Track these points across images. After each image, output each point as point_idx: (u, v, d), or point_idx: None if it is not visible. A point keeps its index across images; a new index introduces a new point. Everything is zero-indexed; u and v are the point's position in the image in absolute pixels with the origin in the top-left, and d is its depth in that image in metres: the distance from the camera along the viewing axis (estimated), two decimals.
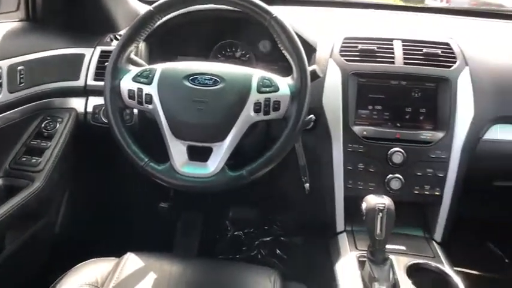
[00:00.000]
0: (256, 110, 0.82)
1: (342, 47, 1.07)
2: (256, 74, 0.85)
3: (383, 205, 0.82)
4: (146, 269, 0.88)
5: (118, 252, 0.94)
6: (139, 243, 1.02)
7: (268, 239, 1.59)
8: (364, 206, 0.84)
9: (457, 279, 0.87)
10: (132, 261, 0.90)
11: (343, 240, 1.01)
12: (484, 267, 1.47)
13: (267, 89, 0.82)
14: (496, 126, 1.04)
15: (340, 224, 1.04)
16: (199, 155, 0.84)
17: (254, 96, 0.82)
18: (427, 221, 1.05)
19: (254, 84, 0.83)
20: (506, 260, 1.52)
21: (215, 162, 0.83)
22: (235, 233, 1.62)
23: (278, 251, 1.56)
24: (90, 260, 0.93)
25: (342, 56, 1.06)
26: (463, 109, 1.00)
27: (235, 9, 0.87)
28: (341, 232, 1.04)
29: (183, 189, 0.83)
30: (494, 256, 1.52)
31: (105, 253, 0.96)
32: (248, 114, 0.82)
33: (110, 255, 0.95)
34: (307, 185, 1.04)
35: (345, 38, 1.09)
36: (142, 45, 1.11)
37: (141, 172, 0.84)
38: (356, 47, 1.06)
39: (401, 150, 0.99)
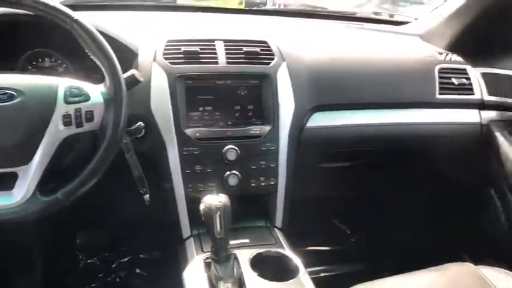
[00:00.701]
0: (67, 123, 0.75)
1: (165, 49, 1.05)
2: (62, 83, 0.77)
3: (219, 203, 0.82)
4: None
5: None
6: None
7: (126, 259, 1.49)
8: (201, 207, 0.84)
9: (296, 260, 0.93)
10: None
11: (190, 245, 0.99)
12: (330, 242, 1.64)
13: (76, 99, 0.76)
14: (316, 115, 1.15)
15: (185, 229, 1.02)
16: (2, 182, 0.73)
17: (62, 108, 0.74)
18: (267, 210, 1.09)
19: (61, 95, 0.75)
20: (348, 232, 1.72)
21: (22, 189, 0.72)
22: (88, 261, 1.47)
23: (138, 270, 1.47)
24: None
25: (166, 59, 1.04)
26: (285, 102, 1.07)
27: (33, 13, 0.77)
28: (188, 238, 1.02)
29: None
30: (338, 230, 1.70)
31: None
32: (57, 129, 0.74)
33: None
34: (146, 196, 0.99)
35: (168, 41, 1.07)
36: None
37: None
38: (179, 49, 1.05)
39: (235, 147, 1.01)
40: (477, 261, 0.98)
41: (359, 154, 1.26)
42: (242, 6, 1.69)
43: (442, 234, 1.51)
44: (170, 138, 1.00)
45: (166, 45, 1.06)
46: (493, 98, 1.27)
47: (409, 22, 1.61)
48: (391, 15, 1.76)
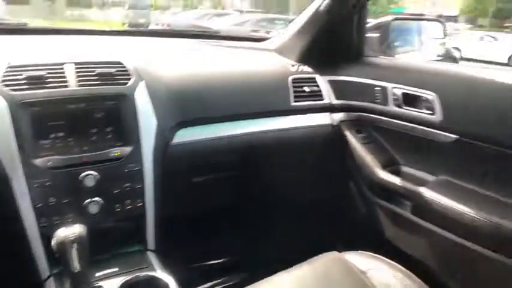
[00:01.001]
0: None
1: (5, 76, 0.96)
2: None
3: (73, 235, 0.77)
4: None
5: None
6: None
7: None
8: (53, 242, 0.78)
9: (168, 280, 0.91)
10: None
11: (50, 286, 0.91)
12: (215, 255, 1.64)
13: None
14: (181, 131, 1.17)
15: (44, 270, 0.94)
16: None
17: None
18: (139, 233, 1.06)
19: None
20: (233, 241, 1.74)
21: None
22: None
23: None
24: None
25: (7, 85, 0.95)
26: (146, 121, 1.06)
27: None
28: (48, 278, 0.93)
29: None
30: (222, 242, 1.71)
31: None
32: None
33: None
34: None
35: (8, 66, 0.98)
36: None
37: None
38: (21, 74, 0.97)
39: (94, 173, 0.96)
40: (348, 249, 1.07)
41: (228, 164, 1.31)
42: (125, 27, 1.65)
43: (318, 230, 1.63)
44: (16, 171, 0.91)
45: (6, 71, 0.97)
46: (339, 102, 1.45)
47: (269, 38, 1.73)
48: (268, 32, 1.89)
